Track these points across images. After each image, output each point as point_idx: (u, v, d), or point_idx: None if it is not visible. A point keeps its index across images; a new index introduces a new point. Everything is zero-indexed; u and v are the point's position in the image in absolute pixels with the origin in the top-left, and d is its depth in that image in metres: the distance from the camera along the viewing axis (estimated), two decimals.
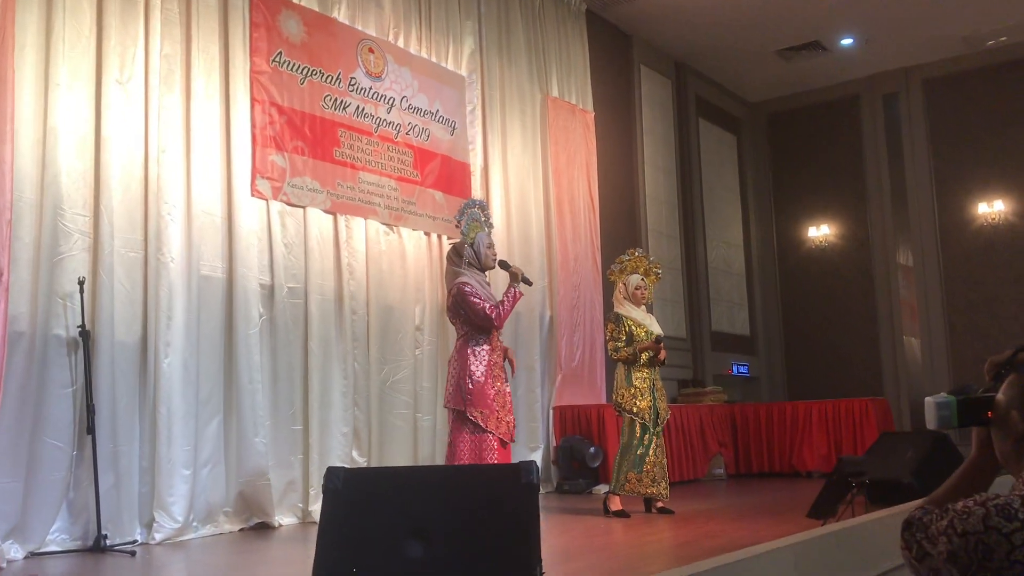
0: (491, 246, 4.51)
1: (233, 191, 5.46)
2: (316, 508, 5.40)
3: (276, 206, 5.72)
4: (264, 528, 5.31)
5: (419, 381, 6.57)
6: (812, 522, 4.39)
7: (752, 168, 12.97)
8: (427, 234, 6.88)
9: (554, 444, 7.75)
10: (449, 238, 6.96)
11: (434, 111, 7.08)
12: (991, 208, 10.97)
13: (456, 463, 4.20)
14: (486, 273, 4.56)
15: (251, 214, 5.55)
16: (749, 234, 12.74)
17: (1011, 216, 10.89)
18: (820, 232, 12.29)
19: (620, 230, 9.76)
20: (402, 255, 6.62)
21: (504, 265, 4.56)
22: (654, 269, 5.90)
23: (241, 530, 5.24)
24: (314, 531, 2.63)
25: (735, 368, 11.81)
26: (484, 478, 2.59)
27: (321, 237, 5.98)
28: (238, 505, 5.26)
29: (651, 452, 5.58)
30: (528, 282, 4.60)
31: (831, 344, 11.92)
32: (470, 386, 4.23)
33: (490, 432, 4.21)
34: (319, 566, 2.42)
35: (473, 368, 4.27)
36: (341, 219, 6.13)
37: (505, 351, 4.56)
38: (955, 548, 1.11)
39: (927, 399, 1.32)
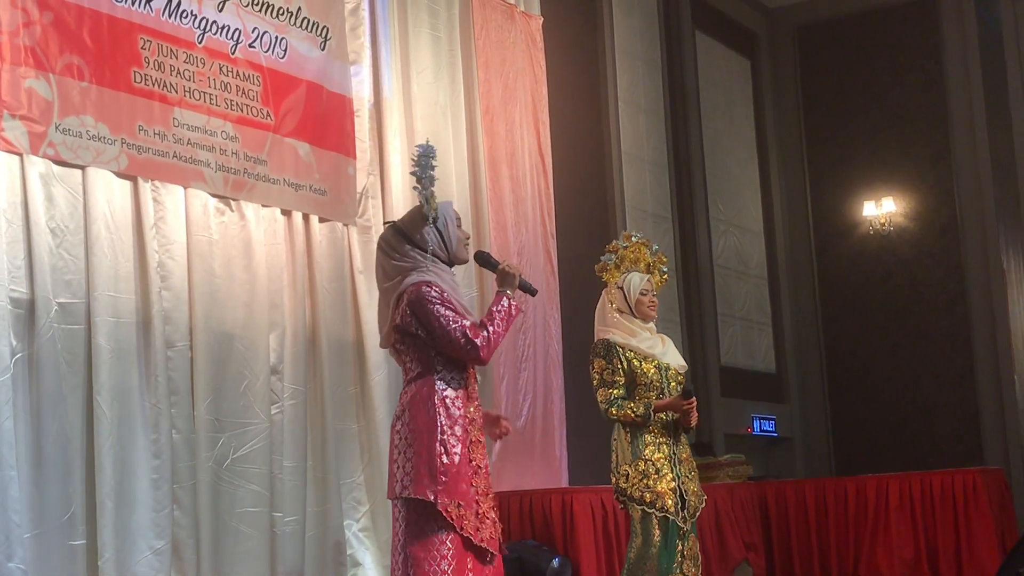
0: (460, 224, 4.38)
1: None
2: None
3: (37, 165, 5.72)
4: None
5: (278, 458, 6.58)
6: None
7: (775, 108, 13.07)
8: (286, 213, 6.95)
9: None
10: (322, 218, 7.06)
11: (294, 10, 7.13)
12: None
13: None
14: (453, 270, 4.40)
15: None
16: (772, 213, 12.88)
17: None
18: (881, 210, 12.49)
19: (583, 208, 9.73)
20: (247, 247, 6.66)
21: (485, 260, 4.47)
22: (659, 265, 5.98)
23: None
24: None
25: (757, 424, 11.97)
26: None
27: (113, 218, 6.00)
28: None
29: (682, 568, 5.59)
30: (531, 290, 4.47)
31: (902, 385, 12.07)
32: (445, 460, 4.08)
33: (465, 536, 4.08)
34: None
35: (448, 430, 4.11)
36: (146, 187, 6.18)
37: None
38: None
39: None
